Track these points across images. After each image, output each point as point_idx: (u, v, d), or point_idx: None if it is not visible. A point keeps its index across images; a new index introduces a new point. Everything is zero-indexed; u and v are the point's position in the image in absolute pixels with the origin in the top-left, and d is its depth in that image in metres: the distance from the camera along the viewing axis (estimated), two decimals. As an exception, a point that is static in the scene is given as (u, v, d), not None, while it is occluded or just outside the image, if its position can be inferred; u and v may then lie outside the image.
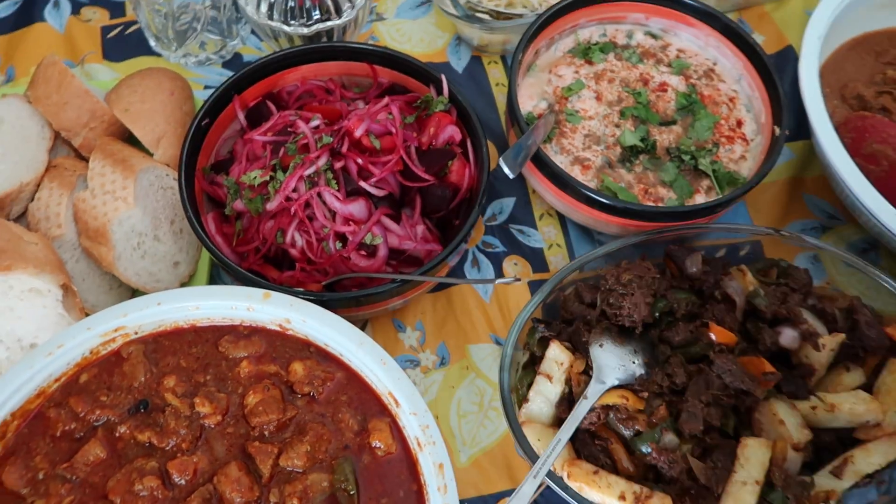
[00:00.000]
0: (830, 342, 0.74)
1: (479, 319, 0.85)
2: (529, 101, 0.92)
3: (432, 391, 0.81)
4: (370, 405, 0.68)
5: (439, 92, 0.85)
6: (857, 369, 0.75)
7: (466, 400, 0.81)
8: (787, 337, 0.75)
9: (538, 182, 0.86)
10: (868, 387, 0.75)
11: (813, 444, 0.72)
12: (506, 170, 0.73)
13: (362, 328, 0.83)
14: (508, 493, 0.76)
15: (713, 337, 0.74)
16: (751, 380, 0.71)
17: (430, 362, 0.83)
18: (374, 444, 0.66)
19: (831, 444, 0.73)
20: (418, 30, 1.09)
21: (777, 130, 0.85)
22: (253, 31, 1.03)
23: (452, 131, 0.82)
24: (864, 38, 1.01)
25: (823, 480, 0.70)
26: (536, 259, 0.90)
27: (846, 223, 0.95)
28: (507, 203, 0.94)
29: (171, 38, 0.97)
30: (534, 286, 0.87)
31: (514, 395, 0.77)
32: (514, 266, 0.89)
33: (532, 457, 0.67)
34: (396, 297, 0.75)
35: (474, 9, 1.05)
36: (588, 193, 0.81)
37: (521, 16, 1.02)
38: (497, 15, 1.05)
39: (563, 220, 0.93)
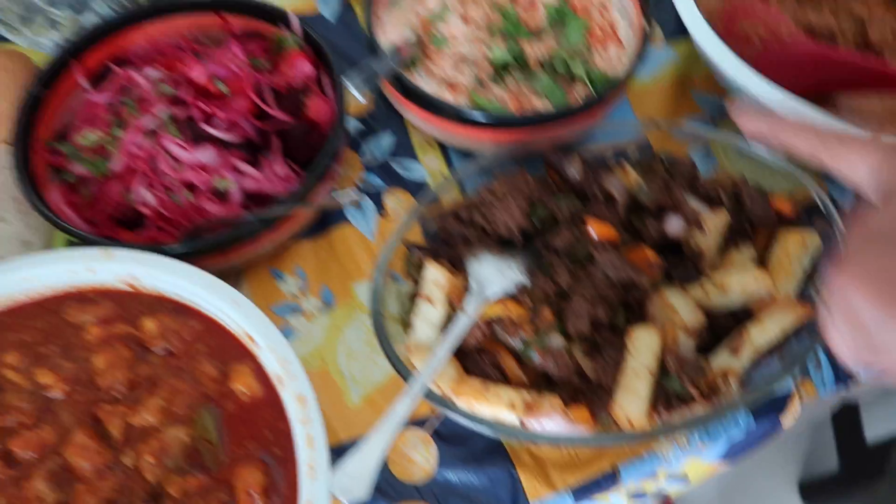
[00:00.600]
0: (715, 222, 0.71)
1: (363, 258, 0.82)
2: (395, 33, 0.88)
3: (318, 336, 0.77)
4: (231, 350, 0.64)
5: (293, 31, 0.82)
6: (747, 246, 0.72)
7: (355, 339, 0.77)
8: (672, 224, 0.72)
9: (409, 112, 0.82)
10: (761, 263, 0.72)
11: (711, 329, 0.69)
12: (353, 91, 0.70)
13: (237, 282, 0.79)
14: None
15: (594, 234, 0.71)
16: (634, 270, 0.67)
17: (314, 307, 0.79)
18: (236, 390, 0.62)
19: (729, 325, 0.69)
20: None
21: (646, 26, 0.82)
22: (109, 6, 0.99)
23: (305, 66, 0.78)
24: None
25: (722, 360, 0.67)
26: (420, 191, 0.86)
27: (738, 115, 0.92)
28: (386, 139, 0.90)
29: (17, 21, 0.92)
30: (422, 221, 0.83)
31: (401, 326, 0.73)
32: (397, 200, 0.86)
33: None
34: (259, 239, 0.71)
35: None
36: (458, 111, 0.77)
37: (382, -47, 0.98)
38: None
39: (444, 149, 0.90)
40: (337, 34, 1.00)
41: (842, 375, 0.74)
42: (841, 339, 0.38)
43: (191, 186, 0.71)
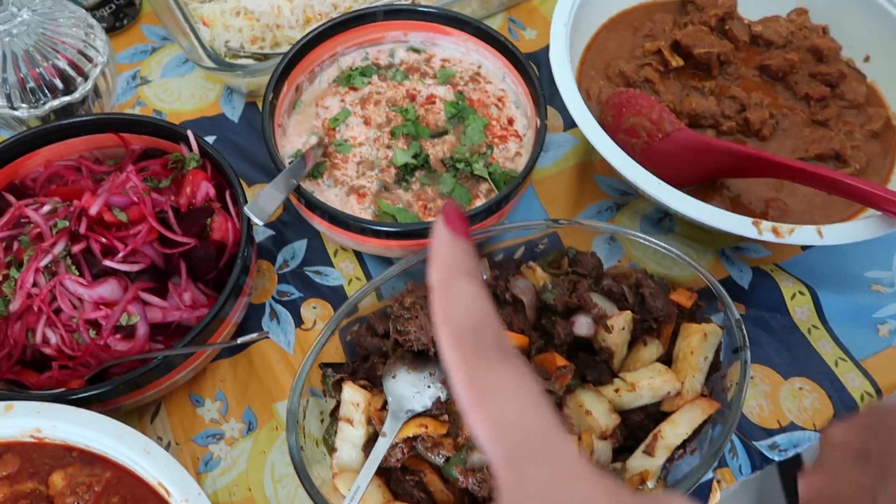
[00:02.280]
0: (618, 321, 0.73)
1: (284, 374, 0.81)
2: (299, 139, 0.89)
3: (242, 462, 0.76)
4: (146, 500, 0.62)
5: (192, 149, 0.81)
6: (653, 342, 0.75)
7: (280, 462, 0.76)
8: (581, 325, 0.74)
9: (317, 223, 0.83)
10: (668, 355, 0.75)
11: (626, 427, 0.71)
12: (253, 218, 0.69)
13: (156, 412, 0.77)
14: (336, 552, 0.71)
15: (504, 342, 0.72)
16: (545, 378, 0.69)
17: (237, 431, 0.77)
18: (153, 543, 0.60)
19: (643, 422, 0.72)
20: (188, 86, 1.05)
21: (538, 122, 0.85)
22: None
23: (206, 187, 0.78)
24: (621, 15, 1.04)
25: (638, 462, 0.69)
26: (337, 297, 0.86)
27: (638, 198, 0.96)
28: (299, 246, 0.90)
29: None
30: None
31: (325, 447, 0.73)
32: (313, 310, 0.85)
33: (333, 513, 0.63)
34: (169, 375, 0.70)
35: (237, 55, 1.02)
36: (363, 225, 0.78)
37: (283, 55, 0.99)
38: (264, 57, 1.02)
39: (358, 253, 0.90)
40: (241, 134, 1.00)
41: (757, 461, 0.77)
42: None
43: (95, 323, 0.69)
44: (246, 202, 0.75)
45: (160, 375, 0.68)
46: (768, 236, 0.75)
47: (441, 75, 0.94)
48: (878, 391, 0.81)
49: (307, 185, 0.84)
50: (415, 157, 0.86)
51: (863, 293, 0.88)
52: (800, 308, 0.86)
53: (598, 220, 0.94)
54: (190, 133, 0.80)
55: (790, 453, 0.78)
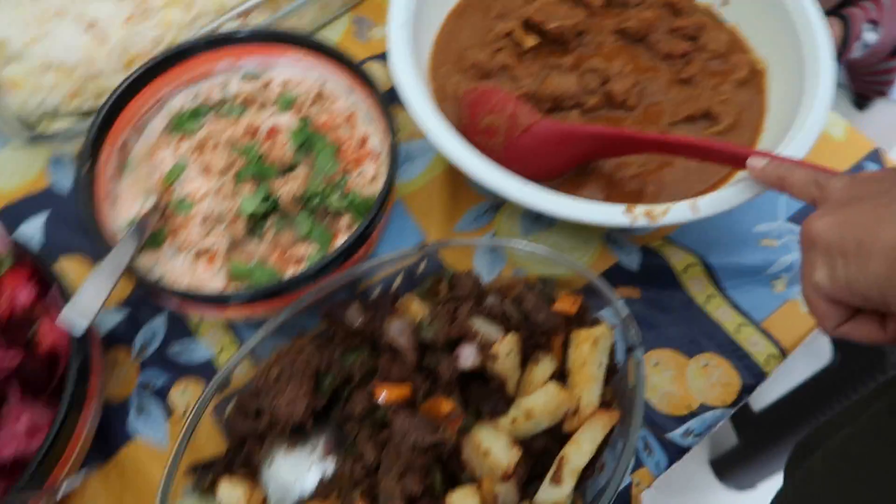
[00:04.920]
0: (503, 348, 0.67)
1: (161, 475, 0.73)
2: (134, 204, 0.80)
3: (131, 582, 0.68)
4: None
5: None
6: (545, 357, 0.70)
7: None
8: (465, 358, 0.68)
9: (169, 306, 0.74)
10: (563, 369, 0.70)
11: (531, 456, 0.66)
12: (72, 328, 0.61)
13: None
14: None
15: (384, 399, 0.66)
16: (432, 430, 0.63)
17: (117, 551, 0.70)
18: None
19: (547, 445, 0.67)
20: (6, 162, 0.93)
21: (391, 136, 0.78)
22: None
23: (27, 292, 0.68)
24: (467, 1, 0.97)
25: (548, 494, 0.64)
26: (209, 372, 0.79)
27: (515, 192, 0.90)
28: (158, 324, 0.81)
29: None
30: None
31: (217, 550, 0.66)
32: (183, 394, 0.77)
33: None
34: (17, 515, 0.62)
35: (55, 116, 0.91)
36: (213, 301, 0.70)
37: (104, 109, 0.88)
38: (87, 115, 0.92)
39: (225, 316, 0.82)
40: (73, 206, 0.89)
41: (674, 453, 0.74)
42: (817, 302, 0.46)
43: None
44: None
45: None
46: (643, 221, 0.71)
47: (282, 101, 0.86)
48: (782, 351, 0.78)
49: (148, 258, 0.75)
50: (264, 200, 0.78)
51: (754, 252, 0.84)
52: (693, 280, 0.83)
53: (476, 225, 0.88)
54: (-3, 231, 0.70)
55: (705, 436, 0.75)
